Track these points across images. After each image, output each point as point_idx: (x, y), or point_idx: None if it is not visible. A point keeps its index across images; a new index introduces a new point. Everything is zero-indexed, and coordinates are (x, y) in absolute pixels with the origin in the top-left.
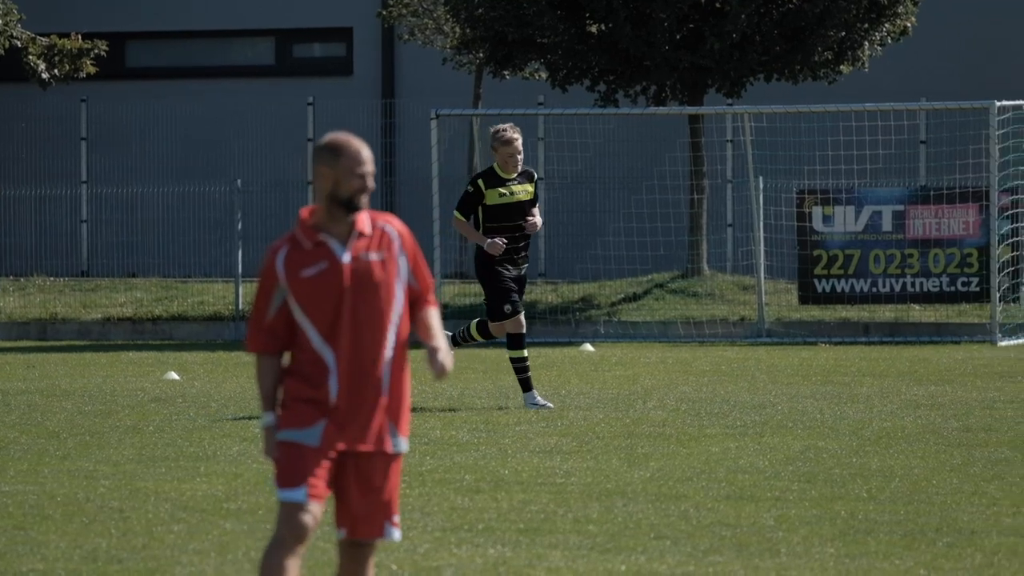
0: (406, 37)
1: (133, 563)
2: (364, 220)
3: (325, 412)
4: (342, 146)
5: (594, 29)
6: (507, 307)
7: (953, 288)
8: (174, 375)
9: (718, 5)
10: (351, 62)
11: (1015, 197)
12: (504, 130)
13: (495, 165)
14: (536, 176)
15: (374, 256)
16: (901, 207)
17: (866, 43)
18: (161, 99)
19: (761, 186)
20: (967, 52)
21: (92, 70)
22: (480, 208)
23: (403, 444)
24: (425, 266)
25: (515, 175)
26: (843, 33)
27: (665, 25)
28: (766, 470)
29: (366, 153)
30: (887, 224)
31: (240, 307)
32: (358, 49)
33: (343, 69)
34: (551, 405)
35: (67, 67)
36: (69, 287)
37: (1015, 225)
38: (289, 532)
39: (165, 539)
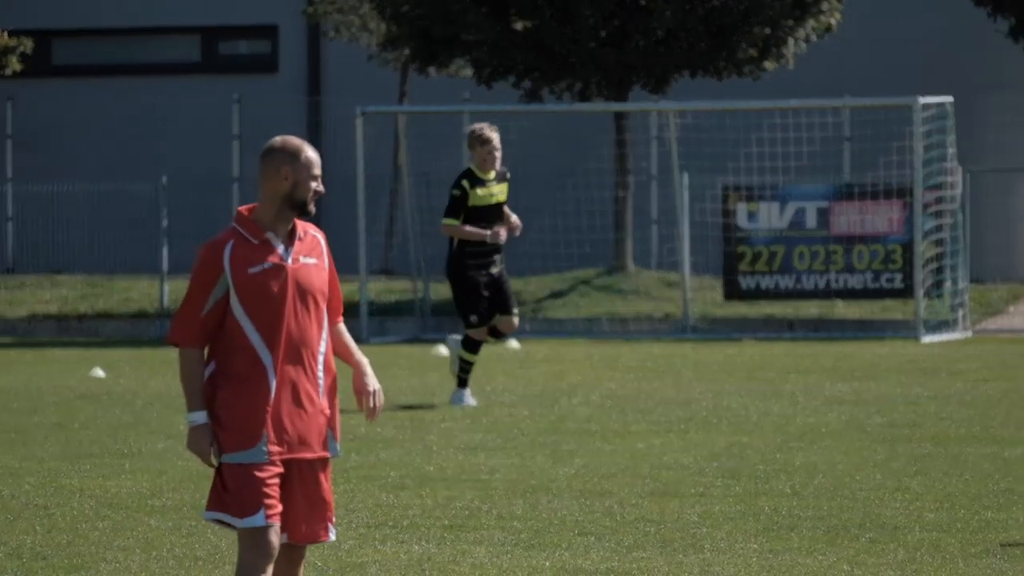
0: (332, 34)
1: (58, 560)
2: (298, 224)
3: (265, 421)
4: (302, 148)
5: (519, 26)
6: (473, 318)
7: (877, 284)
8: (100, 372)
9: (643, 3)
10: (277, 59)
11: (939, 194)
12: (482, 129)
13: (472, 166)
14: (508, 175)
15: (311, 260)
16: (825, 204)
17: (791, 40)
18: (87, 97)
19: (686, 183)
20: (891, 49)
21: (18, 67)
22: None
23: (337, 447)
24: (338, 280)
25: (493, 175)
26: (768, 30)
27: (590, 22)
28: (690, 466)
29: (319, 159)
30: (811, 221)
31: (165, 304)
32: (284, 46)
33: (269, 66)
34: (475, 403)
35: None
36: None
37: (939, 222)
38: (258, 557)
39: (90, 536)
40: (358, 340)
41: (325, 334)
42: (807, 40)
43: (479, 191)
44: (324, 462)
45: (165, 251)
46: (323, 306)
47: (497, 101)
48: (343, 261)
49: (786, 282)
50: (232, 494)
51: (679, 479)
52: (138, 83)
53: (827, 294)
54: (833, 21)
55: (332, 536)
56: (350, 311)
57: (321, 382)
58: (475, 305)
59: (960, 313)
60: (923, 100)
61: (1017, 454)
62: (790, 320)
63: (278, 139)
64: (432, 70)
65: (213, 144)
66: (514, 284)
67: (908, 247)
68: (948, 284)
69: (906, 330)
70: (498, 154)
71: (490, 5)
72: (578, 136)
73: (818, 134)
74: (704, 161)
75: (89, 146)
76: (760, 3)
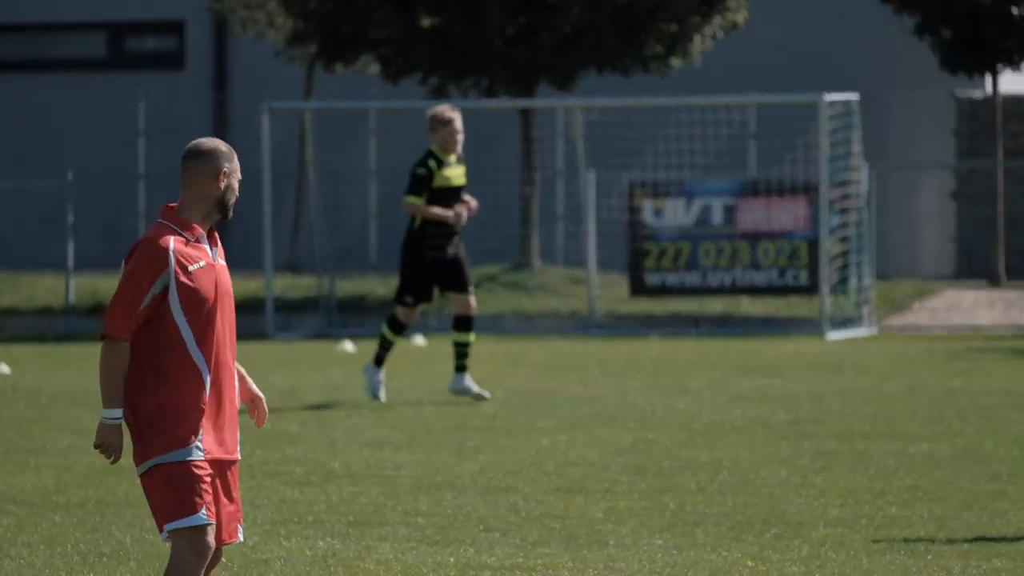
0: (238, 30)
1: None
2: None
3: (200, 422)
4: (233, 153)
5: (426, 23)
6: (409, 298)
7: (783, 281)
8: (4, 368)
9: (550, 0)
10: (183, 55)
11: (844, 191)
12: (444, 110)
13: (434, 148)
14: (463, 159)
15: (224, 263)
16: (732, 200)
17: (697, 37)
18: None
19: (592, 179)
20: (797, 46)
21: None
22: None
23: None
24: None
25: (453, 158)
26: (674, 27)
27: (497, 19)
28: (596, 462)
29: None
30: (717, 217)
31: (71, 300)
32: (190, 43)
33: (175, 62)
34: (486, 394)
35: None
36: None
37: (844, 219)
38: (196, 557)
39: None
40: (264, 336)
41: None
42: (713, 37)
43: (444, 172)
44: (238, 464)
45: (71, 247)
46: (233, 308)
47: (403, 98)
48: (249, 257)
49: (692, 279)
50: (169, 494)
51: (584, 475)
52: (44, 80)
53: (733, 291)
54: (739, 18)
55: (242, 536)
56: (256, 307)
57: (236, 384)
58: (415, 287)
59: (865, 310)
60: (829, 97)
61: (921, 450)
62: (696, 317)
63: (208, 141)
64: (339, 67)
65: (119, 140)
66: None
67: (813, 244)
68: (853, 281)
69: (811, 327)
70: (460, 136)
71: (397, 2)
72: (485, 133)
73: (724, 131)
74: (611, 158)
75: None
76: (667, 0)
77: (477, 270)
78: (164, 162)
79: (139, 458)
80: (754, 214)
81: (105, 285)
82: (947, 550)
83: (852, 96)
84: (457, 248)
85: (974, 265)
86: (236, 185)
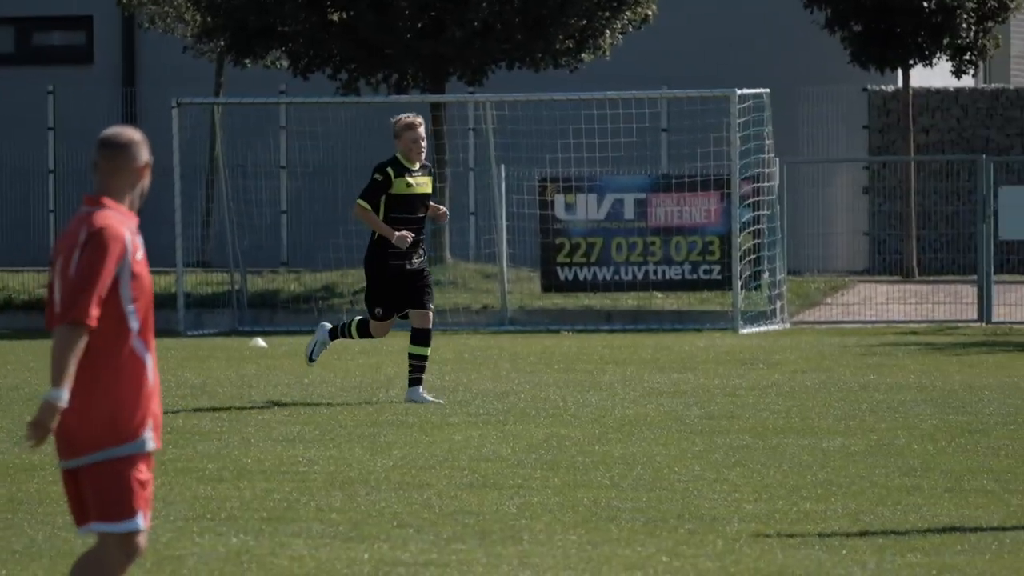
0: (147, 25)
1: None
2: None
3: (148, 412)
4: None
5: (335, 17)
6: (378, 311)
7: (695, 276)
8: None
9: None
10: (91, 50)
11: (756, 185)
12: (408, 117)
13: (398, 154)
14: (432, 169)
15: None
16: (643, 195)
17: (607, 31)
18: None
19: (503, 174)
20: (708, 40)
21: None
22: (383, 198)
23: None
24: None
25: (418, 166)
26: (584, 21)
27: (407, 13)
28: (509, 458)
29: None
30: (629, 212)
31: None
32: (98, 37)
33: (84, 57)
34: (441, 400)
35: None
36: None
37: (756, 213)
38: (126, 559)
39: None
40: (175, 333)
41: None
42: (624, 32)
43: (405, 180)
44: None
45: None
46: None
47: (313, 92)
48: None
49: (604, 274)
50: (113, 492)
51: (498, 471)
52: None
53: (645, 286)
54: (649, 12)
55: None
56: (167, 303)
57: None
58: (381, 299)
59: (778, 304)
60: (740, 91)
61: (835, 445)
62: (608, 312)
63: (131, 130)
64: (248, 62)
65: (28, 136)
66: (331, 277)
67: (726, 238)
68: (766, 275)
69: (724, 322)
70: (424, 143)
71: None
72: None
73: (635, 125)
74: (521, 152)
75: None
76: None
77: None
78: (73, 157)
79: (83, 449)
80: (666, 209)
81: (14, 281)
82: (862, 544)
83: (763, 90)
84: (421, 260)
85: (886, 260)
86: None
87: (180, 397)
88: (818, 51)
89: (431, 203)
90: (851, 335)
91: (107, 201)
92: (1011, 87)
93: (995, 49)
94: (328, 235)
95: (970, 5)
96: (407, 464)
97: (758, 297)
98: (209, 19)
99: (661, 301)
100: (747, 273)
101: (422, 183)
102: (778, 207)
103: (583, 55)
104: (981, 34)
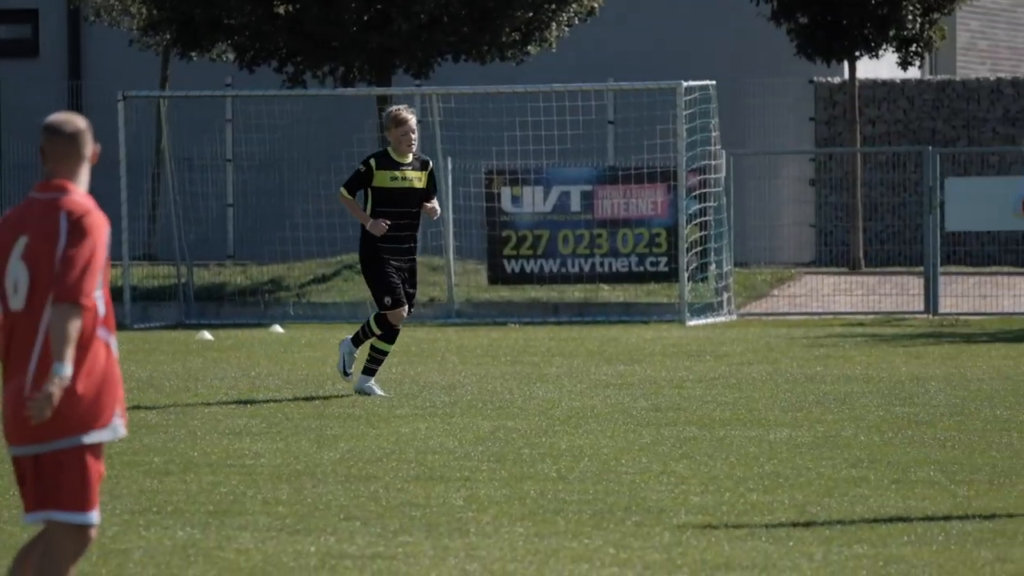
0: (92, 18)
1: None
2: None
3: (116, 398)
4: None
5: (281, 10)
6: (387, 299)
7: (642, 268)
8: None
9: None
10: (37, 43)
11: (702, 177)
12: (398, 110)
13: (389, 148)
14: (431, 165)
15: None
16: (589, 187)
17: (554, 24)
18: None
19: (450, 167)
20: (655, 32)
21: None
22: (369, 191)
23: None
24: None
25: (409, 159)
26: (531, 14)
27: (352, 6)
28: (456, 450)
29: None
30: (576, 204)
31: None
32: (44, 30)
33: (29, 51)
34: (384, 394)
35: None
36: None
37: (703, 205)
38: (78, 551)
39: None
40: (121, 326)
41: None
42: (570, 24)
43: (390, 173)
44: None
45: None
46: None
47: (259, 85)
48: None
49: (551, 266)
50: (77, 482)
51: (444, 463)
52: None
53: (592, 278)
54: (596, 5)
55: None
56: (113, 296)
57: None
58: (390, 288)
59: (724, 296)
60: (686, 84)
61: (782, 437)
62: (555, 304)
63: (77, 117)
64: (194, 55)
65: None
66: (277, 270)
67: (672, 230)
68: (712, 267)
69: (671, 314)
70: (414, 136)
71: None
72: (341, 120)
73: (582, 118)
74: (468, 145)
75: None
76: None
77: (336, 259)
78: (19, 151)
79: (51, 435)
80: (612, 201)
81: None
82: (808, 536)
83: (710, 82)
84: (406, 260)
85: (833, 251)
86: None
87: (127, 390)
88: (764, 43)
89: (431, 200)
90: (798, 327)
91: (70, 186)
92: (957, 78)
93: (941, 41)
94: (274, 228)
95: None
96: (354, 457)
97: (705, 289)
98: (155, 12)
99: (608, 293)
100: (694, 265)
101: (412, 177)
102: (725, 199)
103: (529, 47)
104: (927, 26)
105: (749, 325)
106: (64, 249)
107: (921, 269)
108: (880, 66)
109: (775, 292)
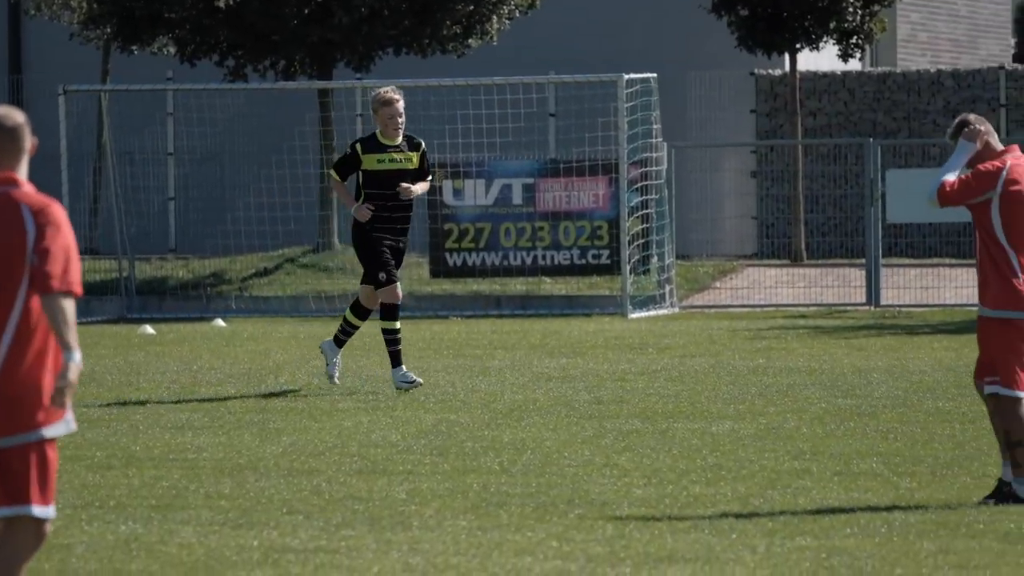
0: (32, 12)
1: None
2: None
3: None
4: None
5: (222, 4)
6: (382, 275)
7: (584, 261)
8: None
9: None
10: None
11: (644, 170)
12: (385, 91)
13: (377, 131)
14: (423, 146)
15: None
16: (531, 180)
17: (495, 16)
18: None
19: None
20: (596, 25)
21: None
22: (360, 173)
23: None
24: None
25: (398, 141)
26: (471, 7)
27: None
28: (398, 444)
29: None
30: (517, 197)
31: None
32: None
33: None
34: (421, 381)
35: None
36: None
37: (644, 197)
38: (37, 545)
39: None
40: None
41: None
42: (511, 17)
43: (376, 156)
44: None
45: None
46: None
47: (200, 79)
48: None
49: (492, 259)
50: (39, 477)
51: (387, 457)
52: None
53: (534, 271)
54: None
55: None
56: None
57: None
58: (383, 264)
59: (667, 289)
60: (627, 76)
61: (724, 429)
62: (497, 297)
63: (16, 111)
64: (134, 48)
65: None
66: (219, 263)
67: (614, 223)
68: (654, 260)
69: (613, 306)
70: (401, 119)
71: None
72: (282, 114)
73: (523, 110)
74: None
75: None
76: None
77: (277, 252)
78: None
79: (17, 428)
80: (554, 194)
81: None
82: (751, 528)
83: (651, 75)
84: (399, 241)
85: (775, 243)
86: None
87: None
88: (705, 35)
89: (428, 179)
90: (740, 319)
91: (19, 179)
92: (898, 70)
93: (881, 33)
94: (216, 221)
95: None
96: (296, 450)
97: (647, 282)
98: (95, 6)
99: (550, 286)
100: (636, 258)
101: (401, 159)
102: (666, 191)
103: (470, 40)
104: (867, 18)
105: (691, 317)
106: (38, 242)
107: (863, 261)
108: (821, 58)
109: (717, 284)
